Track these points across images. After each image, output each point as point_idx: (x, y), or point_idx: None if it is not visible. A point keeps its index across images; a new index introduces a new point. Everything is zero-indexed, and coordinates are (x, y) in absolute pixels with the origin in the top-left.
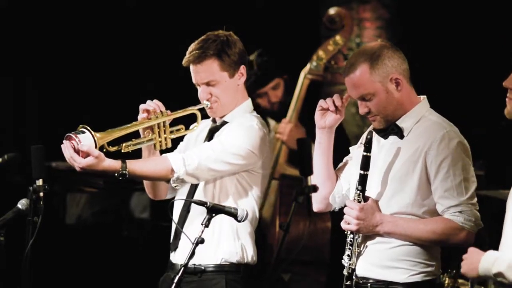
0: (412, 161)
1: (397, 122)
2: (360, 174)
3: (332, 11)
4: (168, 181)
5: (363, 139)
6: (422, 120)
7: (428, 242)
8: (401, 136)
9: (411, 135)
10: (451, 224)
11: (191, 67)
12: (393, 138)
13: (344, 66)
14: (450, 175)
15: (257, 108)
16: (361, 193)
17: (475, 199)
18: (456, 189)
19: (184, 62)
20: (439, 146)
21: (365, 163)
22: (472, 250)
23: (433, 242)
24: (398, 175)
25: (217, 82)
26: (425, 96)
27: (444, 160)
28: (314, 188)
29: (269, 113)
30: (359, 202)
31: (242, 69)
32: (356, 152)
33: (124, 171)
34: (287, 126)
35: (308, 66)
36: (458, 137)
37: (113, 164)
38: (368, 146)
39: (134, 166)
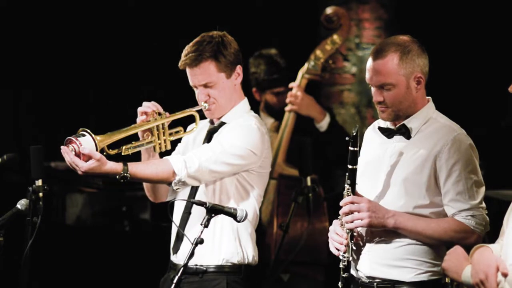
0: (420, 163)
1: (405, 122)
2: (349, 168)
3: (329, 10)
4: (169, 183)
5: (365, 139)
6: (430, 122)
7: (438, 241)
8: (408, 136)
9: (418, 136)
10: (463, 227)
11: (188, 70)
12: (398, 138)
13: (372, 50)
14: (462, 179)
15: (257, 105)
16: (350, 188)
17: (484, 203)
18: (468, 192)
19: (180, 65)
20: (450, 150)
21: (353, 158)
22: (458, 251)
23: (443, 242)
24: (405, 176)
25: (214, 83)
26: (430, 98)
27: (456, 163)
28: (314, 189)
29: (273, 111)
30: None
31: (239, 69)
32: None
33: (125, 174)
34: (297, 92)
35: (305, 66)
36: (468, 140)
37: (114, 167)
38: (353, 141)
39: (135, 169)
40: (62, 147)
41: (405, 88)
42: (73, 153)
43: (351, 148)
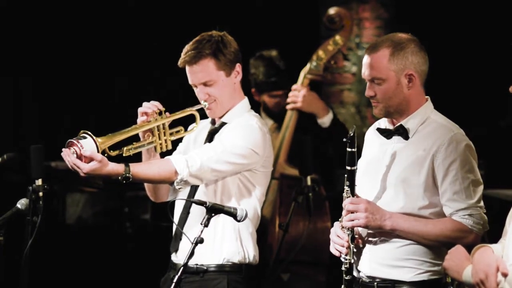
0: (418, 163)
1: (402, 123)
2: (348, 170)
3: (332, 11)
4: (171, 183)
5: (367, 139)
6: (428, 122)
7: (435, 242)
8: (406, 137)
9: (416, 137)
10: (461, 226)
11: (187, 68)
12: (397, 139)
13: (368, 46)
14: (459, 178)
15: (258, 105)
16: (349, 189)
17: (482, 202)
18: (464, 192)
19: (179, 63)
20: (447, 149)
21: (351, 159)
22: (459, 250)
23: (441, 243)
24: (403, 177)
25: (214, 82)
26: (428, 97)
27: (453, 163)
28: (313, 188)
29: (271, 113)
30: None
31: (238, 67)
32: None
33: (127, 175)
34: (300, 91)
35: (308, 66)
36: (465, 139)
37: (116, 168)
38: (351, 142)
39: (137, 169)
40: (63, 149)
41: (395, 84)
42: (75, 155)
43: (348, 149)
